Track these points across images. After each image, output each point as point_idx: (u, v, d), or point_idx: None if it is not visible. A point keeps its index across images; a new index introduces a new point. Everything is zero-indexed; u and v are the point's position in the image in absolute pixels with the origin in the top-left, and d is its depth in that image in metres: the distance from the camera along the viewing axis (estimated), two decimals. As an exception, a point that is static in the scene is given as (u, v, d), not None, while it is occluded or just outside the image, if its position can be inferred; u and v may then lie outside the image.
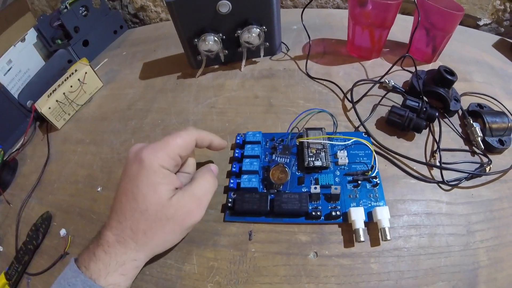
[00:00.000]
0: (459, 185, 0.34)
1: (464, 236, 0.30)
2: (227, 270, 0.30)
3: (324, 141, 0.36)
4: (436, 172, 0.35)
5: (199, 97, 0.48)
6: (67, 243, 0.34)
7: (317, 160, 0.34)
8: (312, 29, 0.54)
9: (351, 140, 0.36)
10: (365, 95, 0.43)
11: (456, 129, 0.39)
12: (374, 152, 0.35)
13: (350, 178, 0.34)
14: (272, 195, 0.33)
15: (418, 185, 0.34)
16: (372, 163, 0.34)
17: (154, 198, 0.27)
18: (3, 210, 0.40)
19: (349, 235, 0.31)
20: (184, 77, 0.52)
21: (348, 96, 0.43)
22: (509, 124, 0.37)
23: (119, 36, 0.68)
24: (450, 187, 0.34)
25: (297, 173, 0.35)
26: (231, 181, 0.34)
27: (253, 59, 0.52)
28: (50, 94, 0.46)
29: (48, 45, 0.58)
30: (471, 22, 0.58)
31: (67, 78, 0.48)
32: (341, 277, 0.29)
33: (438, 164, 0.35)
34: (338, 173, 0.35)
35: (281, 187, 0.34)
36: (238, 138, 0.38)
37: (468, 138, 0.38)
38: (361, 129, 0.39)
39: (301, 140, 0.37)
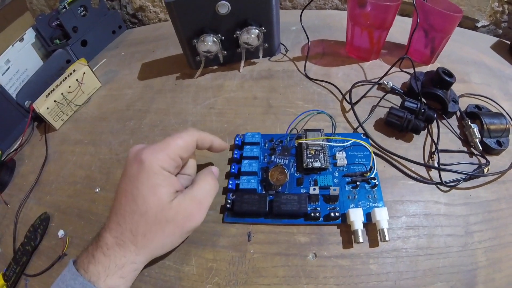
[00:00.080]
0: (457, 186, 0.34)
1: (463, 237, 0.30)
2: (226, 271, 0.30)
3: (323, 142, 0.36)
4: (434, 173, 0.35)
5: (198, 97, 0.48)
6: (65, 244, 0.34)
7: (316, 161, 0.34)
8: (311, 30, 0.54)
9: (350, 141, 0.36)
10: (363, 96, 0.43)
11: (454, 131, 0.39)
12: (372, 153, 0.35)
13: (349, 179, 0.34)
14: (271, 196, 0.33)
15: (416, 186, 0.34)
16: (370, 164, 0.35)
17: (154, 200, 0.27)
18: (1, 210, 0.40)
19: (348, 236, 0.31)
20: (183, 77, 0.52)
21: (347, 97, 0.43)
22: (507, 125, 0.37)
23: (118, 36, 0.68)
24: (448, 188, 0.34)
25: (296, 174, 0.35)
26: (230, 182, 0.34)
27: (252, 60, 0.52)
28: (48, 94, 0.46)
29: (46, 45, 0.58)
30: (469, 23, 0.59)
31: (66, 78, 0.48)
32: (340, 278, 0.29)
33: (436, 165, 0.35)
34: (337, 174, 0.35)
35: (280, 188, 0.34)
36: (237, 139, 0.38)
37: (466, 139, 0.38)
38: (360, 130, 0.39)
39: (300, 141, 0.37)
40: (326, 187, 0.33)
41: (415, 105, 0.38)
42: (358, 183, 0.33)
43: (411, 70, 0.42)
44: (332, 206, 0.32)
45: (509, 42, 0.52)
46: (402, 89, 0.44)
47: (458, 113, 0.41)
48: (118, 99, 0.51)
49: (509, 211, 0.32)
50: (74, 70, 0.49)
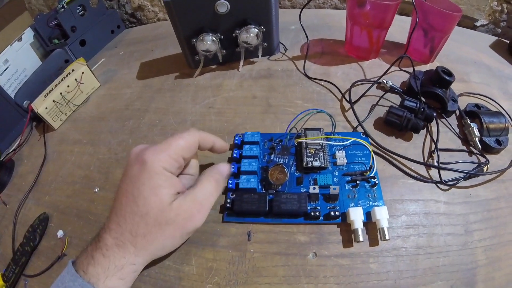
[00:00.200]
0: (457, 185, 0.34)
1: (462, 235, 0.30)
2: (226, 271, 0.30)
3: (323, 142, 0.36)
4: (434, 172, 0.35)
5: (197, 97, 0.47)
6: (64, 245, 0.34)
7: (316, 160, 0.34)
8: (310, 29, 0.54)
9: (350, 141, 0.36)
10: (363, 95, 0.43)
11: (453, 129, 0.39)
12: (372, 152, 0.35)
13: (348, 178, 0.34)
14: (271, 196, 0.33)
15: (416, 185, 0.34)
16: (370, 163, 0.35)
17: (155, 202, 0.26)
18: (0, 211, 0.40)
19: (348, 235, 0.31)
20: (182, 77, 0.52)
21: (346, 96, 0.43)
22: (506, 124, 0.37)
23: (117, 35, 0.68)
24: (448, 187, 0.34)
25: (295, 173, 0.35)
26: (230, 181, 0.34)
27: (251, 59, 0.52)
28: (47, 94, 0.46)
29: (45, 45, 0.57)
30: (468, 23, 0.59)
31: (64, 78, 0.48)
32: (340, 277, 0.29)
33: (436, 164, 0.35)
34: (336, 173, 0.35)
35: (279, 187, 0.34)
36: (237, 138, 0.38)
37: (465, 138, 0.38)
38: (359, 129, 0.39)
39: (299, 140, 0.37)
40: (326, 186, 0.33)
41: (415, 104, 0.38)
42: (358, 182, 0.33)
43: (410, 69, 0.42)
44: (332, 205, 0.32)
45: (508, 41, 0.52)
46: (401, 88, 0.44)
47: (458, 112, 0.41)
48: (117, 99, 0.51)
49: (509, 209, 0.32)
50: (72, 70, 0.49)
